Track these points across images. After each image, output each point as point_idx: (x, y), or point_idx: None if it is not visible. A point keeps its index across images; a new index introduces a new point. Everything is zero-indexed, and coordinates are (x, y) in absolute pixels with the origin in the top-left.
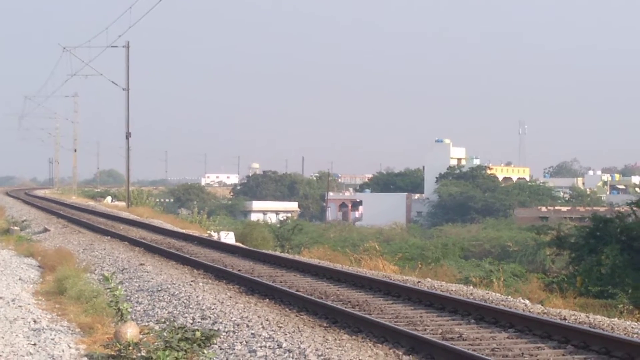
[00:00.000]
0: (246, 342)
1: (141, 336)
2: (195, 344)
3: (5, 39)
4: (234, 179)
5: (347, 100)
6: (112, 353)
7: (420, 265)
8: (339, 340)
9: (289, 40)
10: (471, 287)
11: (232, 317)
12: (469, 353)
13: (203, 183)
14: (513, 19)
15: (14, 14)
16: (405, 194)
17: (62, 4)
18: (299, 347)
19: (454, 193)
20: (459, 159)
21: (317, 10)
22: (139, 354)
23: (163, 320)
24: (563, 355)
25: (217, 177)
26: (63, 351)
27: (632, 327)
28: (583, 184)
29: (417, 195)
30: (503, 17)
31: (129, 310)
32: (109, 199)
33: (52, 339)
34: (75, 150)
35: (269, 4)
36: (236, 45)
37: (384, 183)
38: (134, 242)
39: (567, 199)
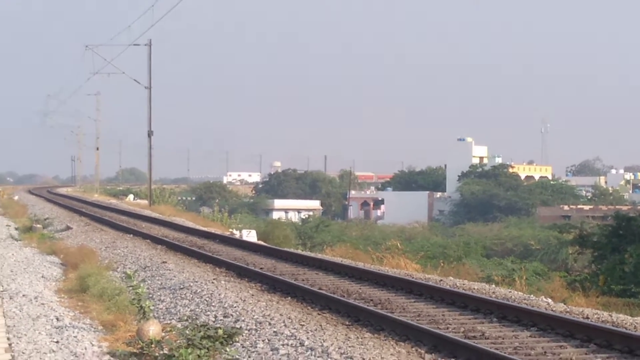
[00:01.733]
0: (268, 340)
1: (163, 334)
2: (217, 342)
3: (29, 37)
4: (255, 177)
5: (369, 99)
6: (135, 351)
7: (442, 264)
8: (361, 338)
9: (312, 39)
10: (493, 285)
11: (254, 315)
12: (491, 351)
13: (225, 181)
14: (533, 15)
15: (37, 13)
16: (427, 192)
17: (85, 2)
18: (322, 345)
19: (476, 191)
20: (481, 158)
21: (337, 9)
22: (161, 352)
23: (185, 318)
24: (586, 354)
25: (239, 175)
26: (85, 349)
27: None
28: (605, 182)
29: (439, 194)
30: (523, 12)
31: (151, 308)
32: (131, 197)
33: (75, 337)
34: (97, 149)
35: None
36: (259, 43)
37: (406, 181)
38: (156, 240)
39: (589, 197)
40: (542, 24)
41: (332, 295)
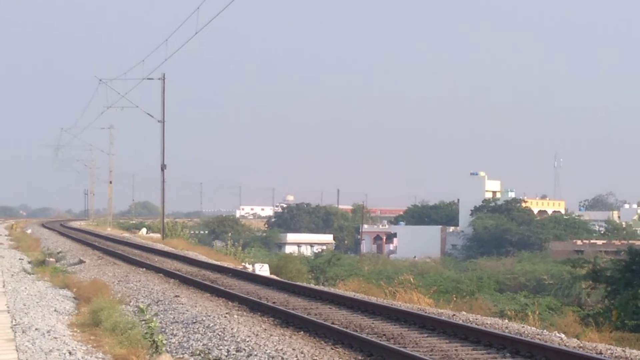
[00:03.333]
0: None
1: None
2: None
3: (43, 71)
4: (268, 211)
5: (382, 133)
6: None
7: (455, 299)
8: None
9: (327, 74)
10: (506, 320)
11: (266, 350)
12: None
13: (237, 215)
14: (546, 50)
15: (51, 46)
16: (440, 226)
17: (99, 36)
18: None
19: (489, 226)
20: (494, 192)
21: (347, 35)
22: None
23: (198, 352)
24: None
25: (252, 209)
26: None
27: None
28: (619, 217)
29: (452, 228)
30: (535, 46)
31: (164, 342)
32: (143, 230)
33: None
34: (110, 182)
35: (296, 31)
36: (269, 76)
37: (419, 215)
38: (168, 274)
39: (602, 232)
40: (555, 59)
41: (345, 329)
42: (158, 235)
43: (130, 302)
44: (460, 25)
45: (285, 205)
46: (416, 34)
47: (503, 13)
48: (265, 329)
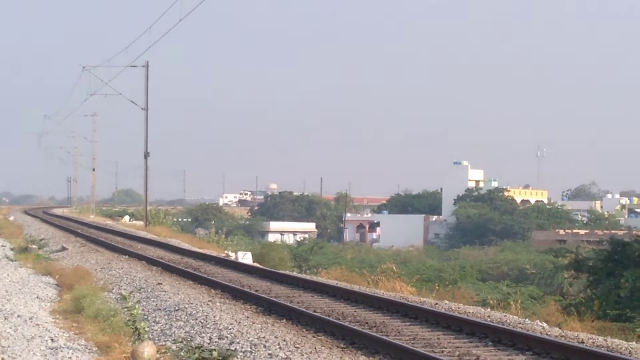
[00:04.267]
0: None
1: (158, 355)
2: None
3: (25, 58)
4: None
5: (365, 122)
6: None
7: (437, 287)
8: None
9: (311, 59)
10: (489, 309)
11: (249, 337)
12: None
13: (221, 203)
14: (530, 39)
15: (34, 33)
16: (423, 215)
17: (82, 23)
18: None
19: (471, 215)
20: (477, 181)
21: (335, 28)
22: None
23: (180, 339)
24: None
25: (236, 197)
26: None
27: None
28: (601, 207)
29: (435, 217)
30: (520, 32)
31: (146, 329)
32: (126, 218)
33: (69, 358)
34: (93, 170)
35: (280, 19)
36: (255, 64)
37: (402, 204)
38: (151, 262)
39: (585, 222)
40: (539, 46)
41: (327, 318)
42: (141, 223)
43: (113, 289)
44: (445, 12)
45: (248, 193)
46: (398, 19)
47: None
48: (248, 317)
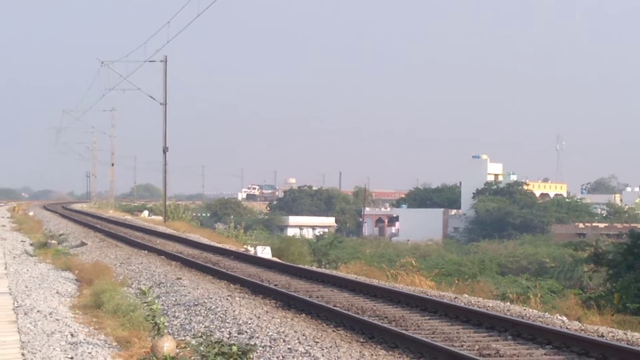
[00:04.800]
0: (283, 357)
1: (178, 350)
2: (231, 359)
3: (45, 53)
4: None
5: (385, 117)
6: None
7: (457, 281)
8: (376, 355)
9: (329, 52)
10: (508, 303)
11: (268, 332)
12: None
13: (240, 198)
14: (548, 32)
15: (53, 28)
16: (442, 209)
17: (101, 18)
18: None
19: (491, 209)
20: (496, 175)
21: (347, 18)
22: None
23: (200, 334)
24: None
25: (254, 188)
26: None
27: None
28: (621, 200)
29: (454, 211)
30: (541, 30)
31: (166, 324)
32: (145, 213)
33: (89, 353)
34: (112, 165)
35: (302, 15)
36: (273, 60)
37: (421, 199)
38: (170, 257)
39: (604, 215)
40: (556, 41)
41: (346, 312)
42: (160, 218)
43: (132, 284)
44: (462, 10)
45: (256, 187)
46: (414, 16)
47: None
48: (267, 312)
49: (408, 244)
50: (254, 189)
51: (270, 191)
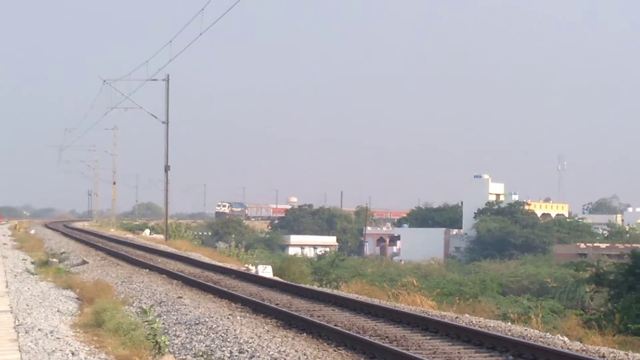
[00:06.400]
0: None
1: None
2: None
3: (46, 71)
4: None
5: (386, 136)
6: None
7: (458, 301)
8: None
9: (331, 71)
10: (509, 323)
11: (269, 351)
12: None
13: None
14: (549, 50)
15: (54, 47)
16: (444, 229)
17: (103, 37)
18: None
19: (492, 229)
20: (498, 195)
21: (354, 37)
22: None
23: (201, 353)
24: None
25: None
26: None
27: None
28: (622, 220)
29: (455, 231)
30: (539, 47)
31: (167, 343)
32: (147, 231)
33: None
34: (114, 183)
35: (305, 32)
36: (275, 78)
37: (422, 218)
38: (172, 275)
39: (606, 235)
40: (559, 60)
41: (347, 331)
42: (161, 236)
43: (134, 303)
44: (463, 24)
45: (226, 204)
46: (417, 34)
47: (509, 11)
48: (268, 331)
49: (411, 263)
50: (224, 206)
51: (239, 209)
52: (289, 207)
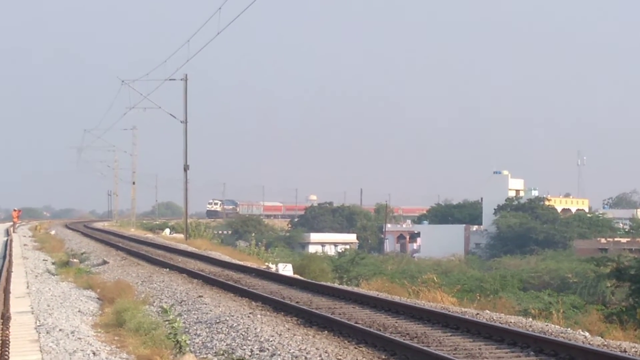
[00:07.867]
0: None
1: None
2: None
3: (65, 72)
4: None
5: (406, 133)
6: None
7: (478, 297)
8: None
9: (351, 70)
10: (530, 319)
11: (290, 349)
12: None
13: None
14: (568, 46)
15: (73, 47)
16: (464, 225)
17: (122, 37)
18: None
19: (512, 224)
20: (517, 191)
21: (364, 40)
22: None
23: (221, 352)
24: None
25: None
26: None
27: None
28: None
29: (475, 227)
30: (559, 44)
31: (188, 342)
32: (167, 231)
33: None
34: (133, 183)
35: (322, 32)
36: (294, 77)
37: (442, 215)
38: (192, 274)
39: (626, 230)
40: (577, 56)
41: (368, 329)
42: (181, 236)
43: (154, 302)
44: (483, 23)
45: (218, 202)
46: (433, 35)
47: (521, 14)
48: (289, 329)
49: (431, 260)
50: (216, 204)
51: (231, 207)
52: (307, 205)
